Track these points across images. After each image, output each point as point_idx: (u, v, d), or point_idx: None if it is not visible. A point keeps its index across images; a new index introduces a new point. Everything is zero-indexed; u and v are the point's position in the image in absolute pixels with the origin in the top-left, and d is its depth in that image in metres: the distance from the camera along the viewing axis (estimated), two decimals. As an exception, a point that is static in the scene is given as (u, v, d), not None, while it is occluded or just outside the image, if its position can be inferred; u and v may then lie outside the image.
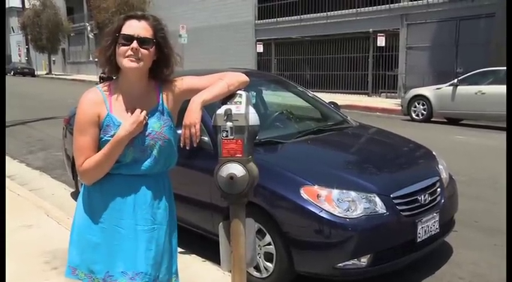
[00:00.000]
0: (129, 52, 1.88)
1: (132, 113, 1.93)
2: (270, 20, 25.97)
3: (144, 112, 1.93)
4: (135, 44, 1.88)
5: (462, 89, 12.22)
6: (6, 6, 57.96)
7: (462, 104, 12.12)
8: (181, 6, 30.23)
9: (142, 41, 1.89)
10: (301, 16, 24.02)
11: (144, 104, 1.96)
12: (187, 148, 1.97)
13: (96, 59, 2.08)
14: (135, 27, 1.91)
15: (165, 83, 2.04)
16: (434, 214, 3.61)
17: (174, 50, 2.01)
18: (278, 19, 25.38)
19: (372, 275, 3.41)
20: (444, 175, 4.02)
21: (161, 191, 2.06)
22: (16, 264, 3.61)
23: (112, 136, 1.90)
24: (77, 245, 2.02)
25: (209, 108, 3.66)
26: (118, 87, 1.98)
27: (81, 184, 2.14)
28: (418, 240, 3.48)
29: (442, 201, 3.77)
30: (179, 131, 2.00)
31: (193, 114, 1.94)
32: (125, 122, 1.90)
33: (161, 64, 1.99)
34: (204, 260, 3.84)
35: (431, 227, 3.58)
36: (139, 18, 1.94)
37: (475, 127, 12.04)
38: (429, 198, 3.63)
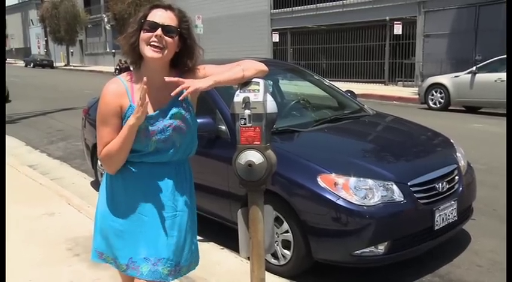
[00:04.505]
0: (153, 38, 1.90)
1: (152, 104, 1.95)
2: (285, 9, 25.84)
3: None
4: (159, 31, 1.90)
5: (481, 76, 12.05)
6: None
7: (481, 91, 11.94)
8: (197, -4, 30.23)
9: (168, 30, 1.92)
10: (317, 5, 23.85)
11: (166, 93, 1.96)
12: (172, 94, 1.89)
13: (114, 50, 2.11)
14: (160, 16, 1.94)
15: (186, 72, 2.05)
16: (452, 202, 3.60)
17: (197, 42, 2.04)
18: (294, 8, 25.24)
19: (389, 263, 3.43)
20: (462, 163, 4.00)
21: (182, 179, 2.09)
22: (40, 250, 3.71)
23: None
24: (101, 231, 2.08)
25: (226, 97, 3.67)
26: (140, 77, 1.98)
27: (101, 174, 2.17)
28: (436, 227, 3.48)
29: (460, 189, 3.75)
30: (199, 120, 2.02)
31: (198, 82, 1.93)
32: (132, 116, 1.88)
33: (184, 55, 2.00)
34: (222, 247, 3.89)
35: (449, 215, 3.57)
36: (165, 8, 1.97)
37: (494, 115, 11.84)
38: (447, 186, 3.62)
